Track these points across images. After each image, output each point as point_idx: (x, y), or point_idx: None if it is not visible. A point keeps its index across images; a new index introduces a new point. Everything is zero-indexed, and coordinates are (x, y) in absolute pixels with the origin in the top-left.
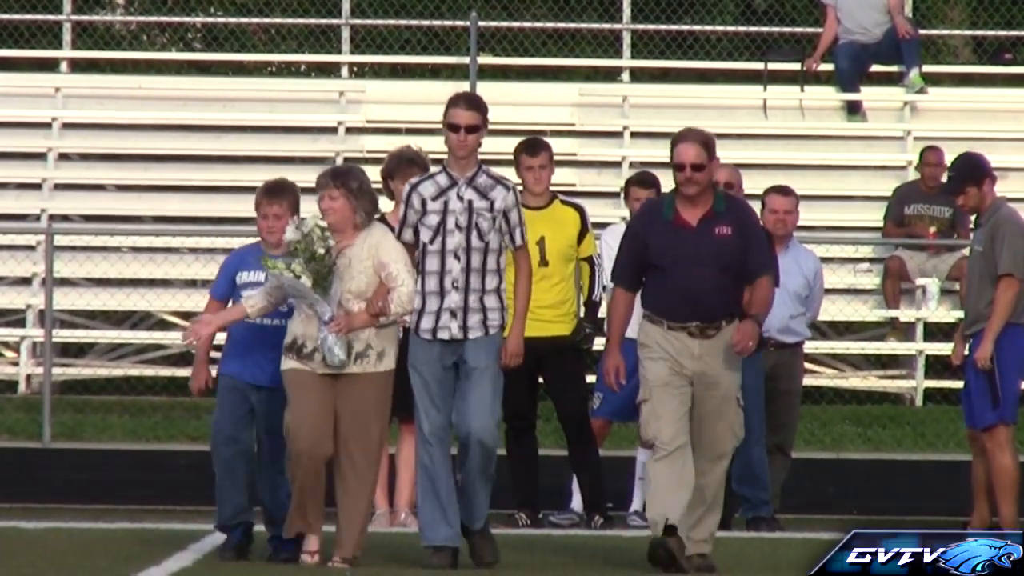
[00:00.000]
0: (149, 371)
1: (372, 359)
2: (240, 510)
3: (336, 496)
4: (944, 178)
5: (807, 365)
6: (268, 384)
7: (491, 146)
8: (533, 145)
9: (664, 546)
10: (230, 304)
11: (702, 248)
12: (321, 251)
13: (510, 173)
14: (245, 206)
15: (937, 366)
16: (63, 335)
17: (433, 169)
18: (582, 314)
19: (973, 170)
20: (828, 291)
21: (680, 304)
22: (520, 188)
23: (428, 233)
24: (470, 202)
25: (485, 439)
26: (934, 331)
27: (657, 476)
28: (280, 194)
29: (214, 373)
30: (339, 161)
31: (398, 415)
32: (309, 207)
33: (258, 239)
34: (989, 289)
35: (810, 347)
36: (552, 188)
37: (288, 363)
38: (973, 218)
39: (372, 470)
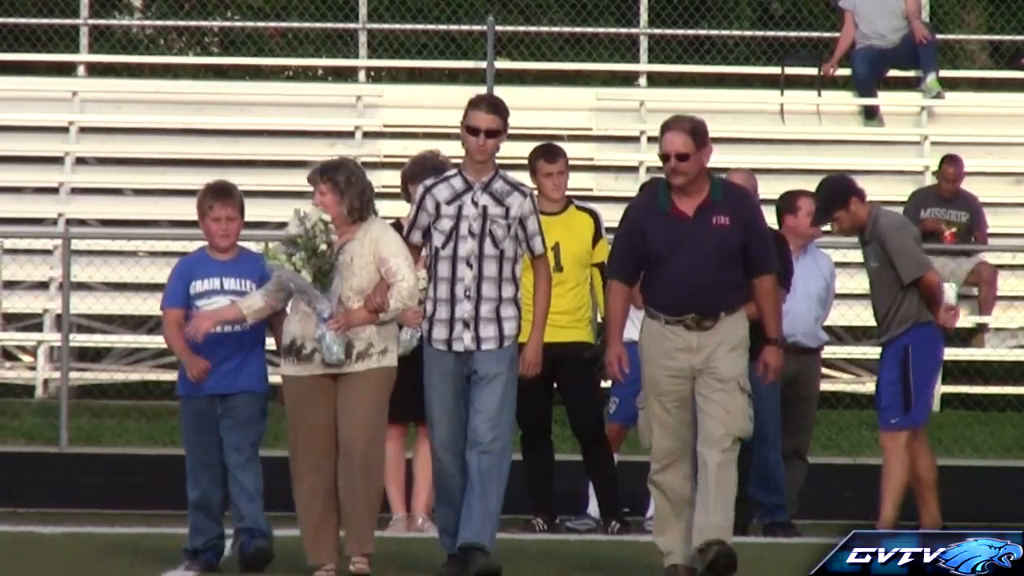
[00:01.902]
0: (166, 375)
1: (375, 357)
2: (213, 538)
3: (341, 494)
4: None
5: (824, 370)
6: (233, 391)
7: (507, 150)
8: (551, 151)
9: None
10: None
11: (700, 239)
12: (323, 247)
13: (525, 178)
14: (262, 210)
15: (955, 371)
16: (80, 339)
17: (448, 172)
18: (599, 328)
19: (837, 195)
20: (846, 296)
21: (677, 296)
22: (536, 193)
23: (440, 238)
24: (484, 208)
25: (488, 445)
26: (951, 336)
27: (657, 505)
28: (231, 195)
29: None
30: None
31: (415, 419)
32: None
33: (204, 245)
34: (893, 299)
35: (827, 352)
36: (568, 193)
37: (287, 368)
38: (858, 237)
39: (377, 464)
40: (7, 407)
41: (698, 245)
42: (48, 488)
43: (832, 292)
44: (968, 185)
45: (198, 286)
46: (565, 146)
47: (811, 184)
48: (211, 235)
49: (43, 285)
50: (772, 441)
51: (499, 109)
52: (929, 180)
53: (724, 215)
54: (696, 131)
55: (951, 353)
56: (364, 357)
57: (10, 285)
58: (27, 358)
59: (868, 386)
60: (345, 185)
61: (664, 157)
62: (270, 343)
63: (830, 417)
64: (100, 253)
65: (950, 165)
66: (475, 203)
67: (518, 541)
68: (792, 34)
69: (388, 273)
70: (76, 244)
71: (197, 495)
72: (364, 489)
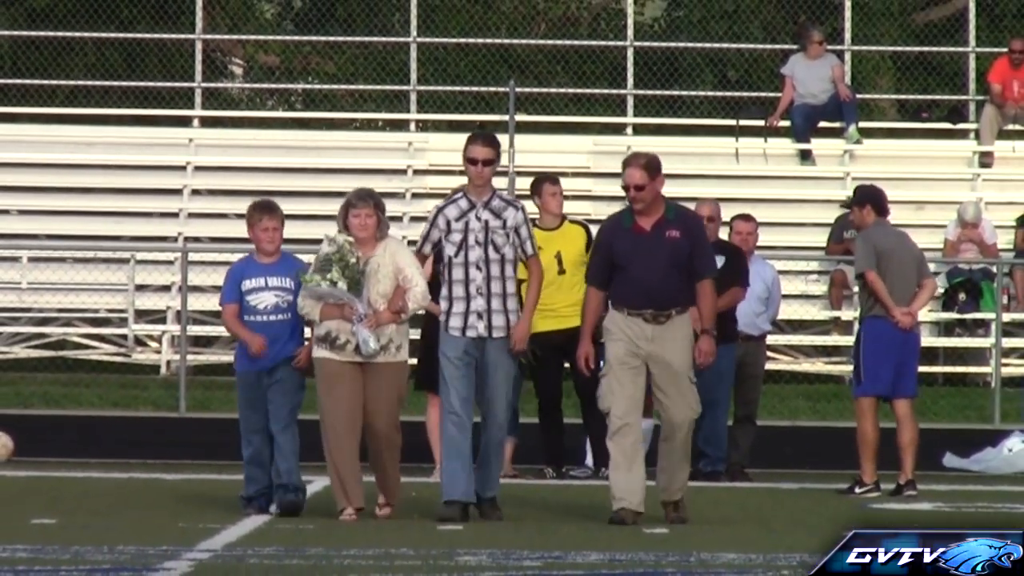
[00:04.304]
0: None
1: (392, 351)
2: (264, 487)
3: (371, 461)
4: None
5: (769, 353)
6: (277, 361)
7: (524, 184)
8: (554, 177)
9: (622, 520)
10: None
11: (655, 249)
12: (353, 260)
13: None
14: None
15: None
16: (195, 330)
17: (456, 195)
18: None
19: (856, 197)
20: (785, 296)
21: (637, 294)
22: (535, 213)
23: (453, 248)
24: (486, 222)
25: (501, 420)
26: None
27: (614, 457)
28: (275, 211)
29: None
30: (408, 196)
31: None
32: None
33: (251, 251)
34: (861, 293)
35: (771, 339)
36: (572, 218)
37: (321, 352)
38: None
39: (396, 437)
40: (138, 382)
41: (654, 253)
42: (170, 445)
43: (777, 293)
44: None
45: (248, 284)
46: (569, 180)
47: (758, 210)
48: (259, 242)
49: (166, 288)
50: (723, 408)
51: (492, 142)
52: None
53: (676, 230)
54: (649, 165)
55: None
56: (385, 350)
57: (141, 288)
58: (154, 344)
59: (803, 366)
60: (383, 211)
61: (625, 188)
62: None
63: (774, 390)
64: (211, 263)
65: None
66: (478, 219)
67: (532, 485)
68: (744, 94)
69: (404, 280)
70: (192, 256)
71: (250, 453)
72: (390, 458)
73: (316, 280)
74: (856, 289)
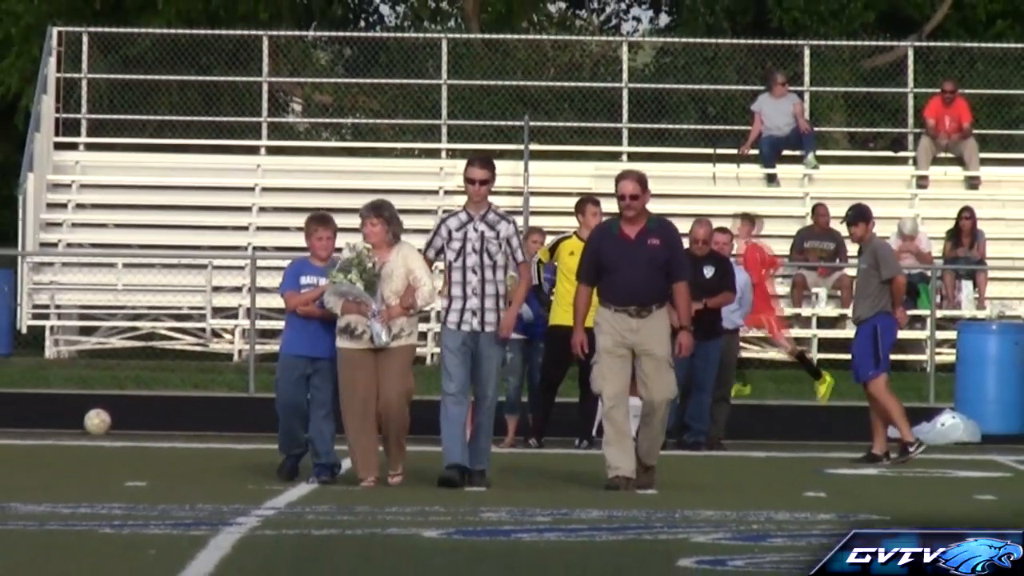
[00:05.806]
0: None
1: (404, 337)
2: (295, 446)
3: (383, 433)
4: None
5: (741, 344)
6: (321, 355)
7: (537, 203)
8: (596, 200)
9: (616, 487)
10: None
11: (638, 254)
12: (369, 265)
13: (563, 220)
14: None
15: (825, 344)
16: (262, 324)
17: (457, 209)
18: None
19: (859, 213)
20: None
21: (623, 293)
22: (568, 228)
23: (453, 254)
24: (482, 233)
25: (491, 402)
26: (823, 322)
27: (607, 433)
28: (330, 222)
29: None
30: (440, 213)
31: None
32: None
33: (307, 255)
34: (870, 291)
35: (743, 332)
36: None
37: (343, 343)
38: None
39: (407, 409)
40: (214, 367)
41: (637, 258)
42: (241, 421)
43: (749, 293)
44: (833, 225)
45: (304, 280)
46: (572, 199)
47: (731, 224)
48: (315, 250)
49: (238, 289)
50: (707, 391)
51: (488, 165)
52: (808, 222)
53: (656, 239)
54: (641, 179)
55: (823, 332)
56: (398, 337)
57: (217, 289)
58: (227, 336)
59: (770, 353)
60: (390, 219)
61: (620, 197)
62: None
63: (745, 374)
64: (276, 268)
65: (820, 208)
66: (475, 230)
67: (545, 456)
68: (721, 127)
69: (414, 280)
70: (260, 263)
71: (284, 425)
72: (398, 429)
73: (340, 279)
74: (814, 290)
